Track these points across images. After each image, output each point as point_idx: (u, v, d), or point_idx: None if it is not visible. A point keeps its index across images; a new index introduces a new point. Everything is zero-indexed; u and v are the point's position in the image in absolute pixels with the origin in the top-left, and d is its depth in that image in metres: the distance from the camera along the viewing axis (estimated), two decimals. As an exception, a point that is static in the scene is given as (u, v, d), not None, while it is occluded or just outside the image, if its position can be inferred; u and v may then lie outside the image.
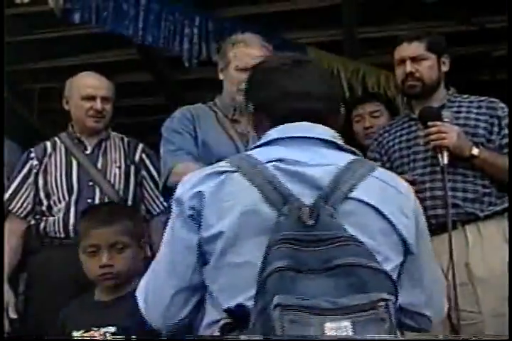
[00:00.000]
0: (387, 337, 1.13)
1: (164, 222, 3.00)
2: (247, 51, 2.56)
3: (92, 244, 2.17)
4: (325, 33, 4.60)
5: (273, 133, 1.48)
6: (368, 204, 1.36)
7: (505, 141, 2.55)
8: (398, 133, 2.71)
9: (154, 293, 1.44)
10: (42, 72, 5.00)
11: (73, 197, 2.87)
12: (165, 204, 2.98)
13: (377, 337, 1.12)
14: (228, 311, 1.30)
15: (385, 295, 1.16)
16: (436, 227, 2.41)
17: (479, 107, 2.62)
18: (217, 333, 1.31)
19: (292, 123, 1.47)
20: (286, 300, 1.12)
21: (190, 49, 3.96)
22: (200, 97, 2.87)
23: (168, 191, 2.48)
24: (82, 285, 2.33)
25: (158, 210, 3.03)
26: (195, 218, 1.36)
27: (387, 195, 1.41)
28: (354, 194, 1.35)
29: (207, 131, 2.54)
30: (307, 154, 1.41)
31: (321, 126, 1.48)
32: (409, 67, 2.63)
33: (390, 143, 2.72)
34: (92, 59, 4.78)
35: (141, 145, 3.10)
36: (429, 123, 2.50)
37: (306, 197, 1.32)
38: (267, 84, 1.53)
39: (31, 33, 4.50)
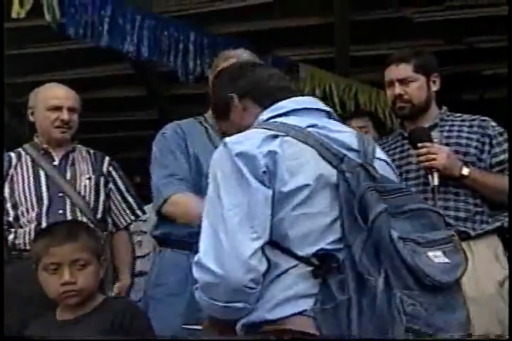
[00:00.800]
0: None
1: (130, 236, 3.05)
2: None
3: (53, 262, 2.11)
4: (317, 51, 4.65)
5: (287, 104, 1.62)
6: (385, 161, 1.65)
7: (496, 159, 2.56)
8: (391, 152, 2.71)
9: (233, 247, 1.41)
10: (37, 85, 5.02)
11: (44, 209, 2.82)
12: (132, 217, 3.01)
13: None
14: (307, 257, 1.43)
15: (451, 232, 1.46)
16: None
17: (471, 126, 2.62)
18: (303, 277, 1.42)
19: (296, 98, 1.65)
20: (404, 234, 1.34)
21: (186, 64, 4.00)
22: (193, 112, 2.90)
23: (162, 217, 2.50)
24: (45, 305, 2.25)
25: (125, 223, 3.01)
26: (269, 174, 1.45)
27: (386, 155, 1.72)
28: (377, 155, 1.61)
29: (198, 147, 2.51)
30: (325, 122, 1.60)
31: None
32: (397, 89, 2.63)
33: None
34: (86, 73, 4.82)
35: (107, 158, 3.07)
36: (419, 145, 2.51)
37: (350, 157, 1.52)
38: (244, 74, 1.72)
39: (26, 47, 4.54)
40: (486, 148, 2.56)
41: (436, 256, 1.35)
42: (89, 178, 2.95)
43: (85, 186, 2.92)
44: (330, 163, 1.48)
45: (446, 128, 2.62)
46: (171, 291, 2.43)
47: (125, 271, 2.94)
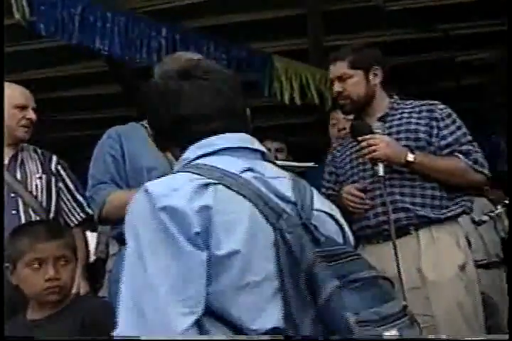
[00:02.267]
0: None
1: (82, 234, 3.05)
2: None
3: (38, 258, 2.13)
4: (291, 42, 4.65)
5: (218, 141, 1.38)
6: (325, 212, 1.39)
7: (445, 142, 2.58)
8: (350, 146, 2.77)
9: (161, 324, 1.17)
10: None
11: None
12: (82, 215, 2.99)
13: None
14: (258, 335, 1.21)
15: (403, 302, 1.26)
16: (389, 233, 2.45)
17: (420, 111, 2.66)
18: None
19: (228, 135, 1.39)
20: (354, 310, 1.15)
21: (159, 60, 3.97)
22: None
23: (104, 220, 2.54)
24: (15, 306, 2.27)
25: (76, 222, 3.01)
26: (203, 234, 1.21)
27: (326, 202, 1.46)
28: (315, 206, 1.37)
29: (134, 145, 2.52)
30: (260, 166, 1.38)
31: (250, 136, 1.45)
32: (336, 87, 2.70)
33: (343, 156, 2.78)
34: (60, 71, 4.78)
35: (55, 157, 3.06)
36: (359, 138, 2.56)
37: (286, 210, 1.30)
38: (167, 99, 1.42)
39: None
40: (434, 131, 2.59)
41: (392, 336, 1.17)
42: (40, 178, 2.94)
43: (37, 186, 2.92)
44: (267, 219, 1.25)
45: (397, 116, 2.68)
46: None
47: (81, 274, 2.86)
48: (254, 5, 4.22)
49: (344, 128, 3.45)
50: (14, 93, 2.96)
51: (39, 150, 3.06)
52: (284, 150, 4.04)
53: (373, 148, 2.50)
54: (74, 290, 2.76)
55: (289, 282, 1.20)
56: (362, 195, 2.57)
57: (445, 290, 2.45)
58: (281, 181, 1.37)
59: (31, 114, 2.94)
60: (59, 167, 3.04)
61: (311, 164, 2.77)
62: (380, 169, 2.50)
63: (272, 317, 1.21)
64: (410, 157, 2.51)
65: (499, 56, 4.96)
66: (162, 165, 2.41)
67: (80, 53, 4.38)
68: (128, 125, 2.67)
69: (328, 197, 2.54)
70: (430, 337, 2.35)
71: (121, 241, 2.55)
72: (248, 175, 1.31)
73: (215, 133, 1.39)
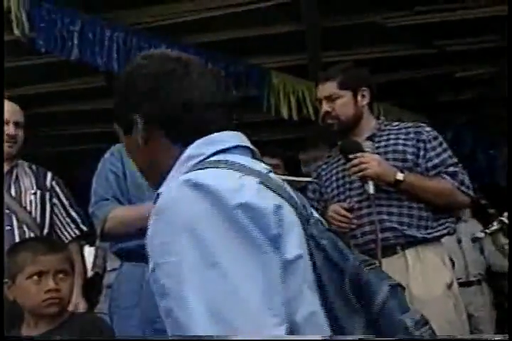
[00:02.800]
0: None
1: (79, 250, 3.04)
2: None
3: (40, 270, 2.15)
4: (289, 58, 4.67)
5: (228, 138, 1.21)
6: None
7: (432, 163, 2.61)
8: (335, 165, 2.78)
9: (248, 325, 1.00)
10: (12, 100, 5.00)
11: None
12: (76, 231, 2.98)
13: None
14: None
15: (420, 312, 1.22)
16: (376, 252, 2.45)
17: (407, 133, 2.69)
18: None
19: (232, 132, 1.23)
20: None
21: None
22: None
23: (106, 236, 2.55)
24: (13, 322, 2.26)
25: (69, 238, 2.99)
26: (278, 235, 1.06)
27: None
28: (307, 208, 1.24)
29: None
30: (258, 165, 1.23)
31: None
32: (324, 106, 2.70)
33: (328, 175, 2.78)
34: (60, 86, 4.80)
35: (49, 174, 3.05)
36: (350, 156, 2.57)
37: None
38: (158, 87, 1.22)
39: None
40: (421, 152, 2.62)
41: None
42: (35, 193, 2.94)
43: (31, 201, 2.91)
44: (302, 223, 1.12)
45: (384, 137, 2.70)
46: (125, 304, 2.47)
47: (77, 292, 2.84)
48: (253, 21, 4.25)
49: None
50: None
51: (34, 166, 3.05)
52: (280, 166, 4.05)
53: (365, 166, 2.51)
54: (71, 308, 2.79)
55: (332, 290, 1.10)
56: (348, 214, 2.57)
57: (434, 308, 2.46)
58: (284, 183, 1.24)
59: (10, 129, 2.90)
60: (53, 183, 3.03)
61: (310, 179, 2.77)
62: (371, 187, 2.52)
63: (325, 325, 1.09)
64: (400, 176, 2.52)
65: (497, 71, 5.00)
66: None
67: (79, 68, 4.40)
68: None
69: None
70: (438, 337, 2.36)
71: (122, 256, 2.57)
72: (272, 176, 1.18)
73: (216, 125, 1.21)
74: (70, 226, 3.00)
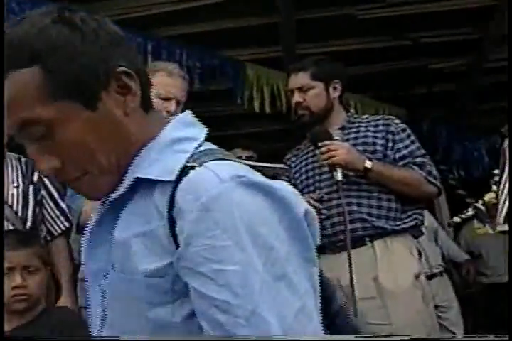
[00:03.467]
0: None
1: (67, 244, 2.99)
2: (170, 81, 2.61)
3: (6, 267, 2.16)
4: (264, 50, 4.66)
5: (195, 120, 1.10)
6: None
7: (400, 154, 2.65)
8: (304, 157, 2.80)
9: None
10: None
11: None
12: (66, 224, 2.94)
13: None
14: None
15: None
16: (345, 243, 2.48)
17: (376, 125, 2.72)
18: None
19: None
20: None
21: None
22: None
23: (81, 230, 2.51)
24: None
25: (59, 231, 2.95)
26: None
27: None
28: None
29: None
30: None
31: None
32: (296, 97, 2.72)
33: (297, 167, 2.80)
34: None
35: None
36: (319, 144, 2.59)
37: None
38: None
39: None
40: (390, 144, 2.66)
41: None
42: (17, 187, 2.90)
43: (12, 195, 2.88)
44: None
45: (354, 129, 2.73)
46: None
47: (66, 286, 2.84)
48: (228, 13, 4.23)
49: None
50: None
51: (23, 159, 3.02)
52: (254, 158, 4.05)
53: (333, 153, 2.53)
54: (63, 303, 2.75)
55: None
56: (318, 205, 2.58)
57: (403, 298, 2.50)
58: None
59: None
60: (42, 176, 2.99)
61: (281, 165, 2.77)
62: (339, 174, 2.54)
63: None
64: (368, 164, 2.55)
65: (469, 63, 5.04)
66: None
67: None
68: None
69: None
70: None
71: None
72: None
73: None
74: (59, 219, 2.96)
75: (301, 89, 2.72)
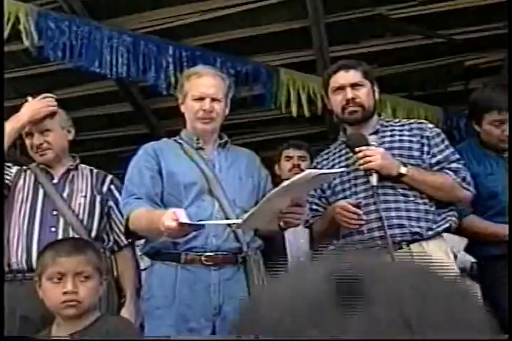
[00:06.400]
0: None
1: (133, 254, 3.05)
2: (200, 81, 2.68)
3: (58, 272, 2.20)
4: (296, 54, 4.68)
5: None
6: None
7: (435, 159, 2.66)
8: (337, 160, 2.79)
9: None
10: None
11: (36, 226, 2.86)
12: None
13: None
14: None
15: None
16: (383, 248, 2.47)
17: (410, 129, 2.72)
18: None
19: None
20: None
21: (166, 78, 4.03)
22: (180, 125, 2.92)
23: (131, 235, 2.62)
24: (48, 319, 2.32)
25: (125, 242, 3.00)
26: None
27: None
28: None
29: (171, 161, 2.62)
30: None
31: None
32: (349, 93, 2.69)
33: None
34: (70, 93, 4.85)
35: (109, 177, 3.10)
36: (356, 149, 2.60)
37: None
38: None
39: (10, 71, 4.57)
40: (425, 148, 2.67)
41: None
42: (85, 196, 2.97)
43: (80, 204, 2.95)
44: None
45: (388, 133, 2.73)
46: (157, 304, 2.49)
47: (130, 296, 2.91)
48: (258, 20, 4.27)
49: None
50: None
51: (95, 170, 3.12)
52: (307, 158, 4.06)
53: (369, 158, 2.54)
54: (127, 315, 2.79)
55: None
56: (359, 211, 2.58)
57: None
58: None
59: (35, 139, 2.99)
60: (112, 187, 3.06)
61: (342, 169, 2.71)
62: (374, 179, 2.55)
63: None
64: (403, 170, 2.57)
65: (504, 59, 4.97)
66: (200, 180, 2.48)
67: (89, 74, 4.44)
68: (162, 141, 2.77)
69: (311, 211, 2.60)
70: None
71: (153, 256, 2.60)
72: None
73: None
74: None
75: (354, 86, 2.71)
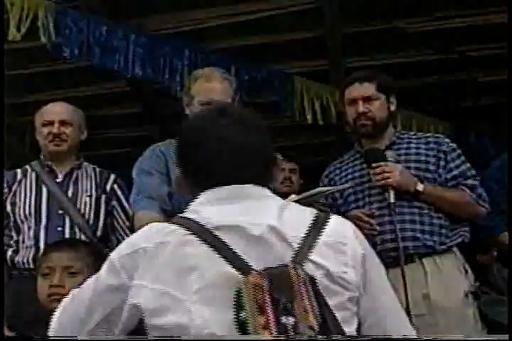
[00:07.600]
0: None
1: None
2: (208, 85, 2.63)
3: (47, 266, 2.24)
4: (311, 63, 4.69)
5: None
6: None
7: (451, 174, 2.66)
8: (350, 170, 2.79)
9: None
10: (34, 105, 5.06)
11: (42, 226, 2.86)
12: None
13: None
14: None
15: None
16: (395, 260, 2.47)
17: (427, 143, 2.72)
18: None
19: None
20: None
21: (181, 81, 4.04)
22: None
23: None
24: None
25: None
26: None
27: None
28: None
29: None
30: None
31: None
32: (361, 107, 2.69)
33: (343, 180, 2.78)
34: (83, 92, 4.85)
35: (112, 176, 3.11)
36: (373, 165, 2.60)
37: None
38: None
39: (24, 68, 4.58)
40: (442, 163, 2.67)
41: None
42: (90, 196, 2.98)
43: (85, 203, 2.95)
44: None
45: (404, 145, 2.72)
46: None
47: None
48: (275, 27, 4.28)
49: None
50: (41, 112, 3.04)
51: (98, 169, 3.12)
52: (297, 171, 4.07)
53: (387, 175, 2.54)
54: None
55: None
56: (372, 221, 2.58)
57: (455, 315, 2.49)
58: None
59: (54, 129, 2.98)
60: (115, 186, 3.07)
61: (347, 185, 2.74)
62: (391, 196, 2.55)
63: None
64: (420, 187, 2.57)
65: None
66: None
67: (101, 74, 4.45)
68: (168, 142, 2.70)
69: None
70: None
71: None
72: None
73: None
74: (129, 229, 2.98)
75: (367, 99, 2.70)
